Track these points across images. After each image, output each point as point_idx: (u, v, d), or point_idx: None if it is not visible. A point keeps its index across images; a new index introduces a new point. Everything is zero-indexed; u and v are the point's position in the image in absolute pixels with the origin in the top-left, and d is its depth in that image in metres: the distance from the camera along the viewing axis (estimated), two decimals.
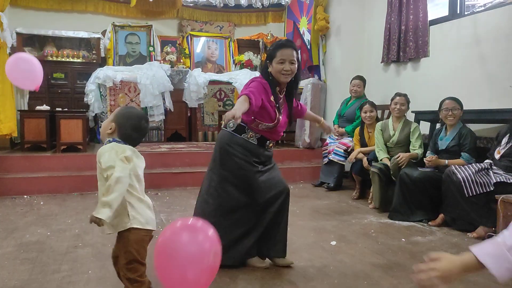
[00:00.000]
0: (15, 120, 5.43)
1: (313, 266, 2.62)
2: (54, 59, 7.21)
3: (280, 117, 2.55)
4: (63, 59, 7.28)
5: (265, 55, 8.17)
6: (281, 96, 2.59)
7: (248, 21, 8.85)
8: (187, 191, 4.95)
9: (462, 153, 3.69)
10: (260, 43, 8.39)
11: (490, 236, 3.13)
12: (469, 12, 4.61)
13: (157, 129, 6.85)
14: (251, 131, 2.53)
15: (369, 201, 4.45)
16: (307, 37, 6.93)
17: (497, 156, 3.38)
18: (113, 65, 7.43)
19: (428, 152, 4.00)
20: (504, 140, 3.37)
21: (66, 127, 5.33)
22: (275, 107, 2.51)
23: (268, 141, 2.61)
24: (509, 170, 3.25)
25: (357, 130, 4.85)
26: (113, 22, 7.70)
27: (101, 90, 6.54)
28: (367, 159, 4.47)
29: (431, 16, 4.94)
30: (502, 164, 3.30)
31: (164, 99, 6.75)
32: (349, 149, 4.96)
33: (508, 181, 3.15)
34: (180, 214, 3.87)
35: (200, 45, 8.40)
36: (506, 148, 3.33)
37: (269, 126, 2.52)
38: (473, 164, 3.40)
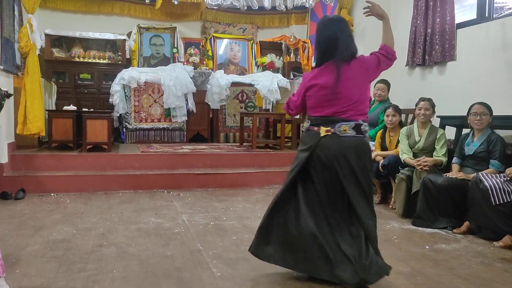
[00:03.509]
0: (43, 119, 5.57)
1: None
2: (81, 60, 7.39)
3: None
4: (90, 60, 7.46)
5: (288, 57, 8.24)
6: None
7: (271, 23, 8.86)
8: (208, 192, 4.98)
9: (491, 160, 3.59)
10: (283, 45, 8.38)
11: None
12: (498, 15, 4.51)
13: (179, 130, 6.91)
14: None
15: (391, 206, 4.40)
16: None
17: None
18: (138, 66, 7.56)
19: (454, 158, 3.92)
20: None
21: (92, 127, 5.44)
22: None
23: None
24: None
25: (379, 132, 4.78)
26: (138, 24, 7.83)
27: (125, 91, 6.66)
28: (383, 164, 4.34)
29: (458, 19, 4.85)
30: None
31: (187, 100, 6.83)
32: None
33: None
34: (202, 216, 3.90)
35: (223, 47, 8.45)
36: None
37: None
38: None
